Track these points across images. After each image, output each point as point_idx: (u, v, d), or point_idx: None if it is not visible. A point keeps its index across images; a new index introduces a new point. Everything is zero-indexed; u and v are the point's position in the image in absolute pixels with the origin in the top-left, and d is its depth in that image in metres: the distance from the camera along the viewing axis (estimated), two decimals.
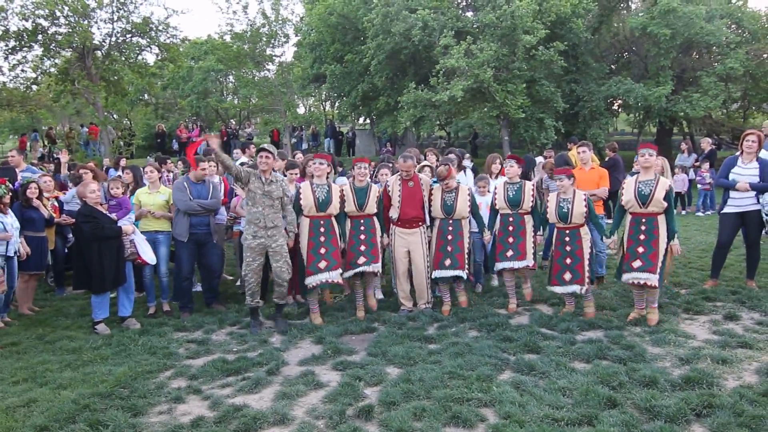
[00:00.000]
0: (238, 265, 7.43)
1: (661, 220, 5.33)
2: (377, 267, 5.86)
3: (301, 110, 27.89)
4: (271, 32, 20.75)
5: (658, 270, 5.26)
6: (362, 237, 5.86)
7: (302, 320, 5.98)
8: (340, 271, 5.72)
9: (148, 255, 6.03)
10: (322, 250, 5.66)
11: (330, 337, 5.31)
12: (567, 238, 5.62)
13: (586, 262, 5.54)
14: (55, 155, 19.82)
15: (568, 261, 5.60)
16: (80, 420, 3.77)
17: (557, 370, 4.31)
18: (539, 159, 10.72)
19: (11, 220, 6.06)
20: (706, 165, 13.27)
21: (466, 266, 5.92)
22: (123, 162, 10.82)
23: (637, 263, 5.34)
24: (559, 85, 17.91)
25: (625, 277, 5.47)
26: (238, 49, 20.54)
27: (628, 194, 5.42)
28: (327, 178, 5.86)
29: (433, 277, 5.96)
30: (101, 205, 5.90)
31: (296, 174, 6.61)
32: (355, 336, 5.43)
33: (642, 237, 5.35)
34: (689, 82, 18.47)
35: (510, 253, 5.90)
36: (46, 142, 23.60)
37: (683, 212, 13.73)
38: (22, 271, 6.49)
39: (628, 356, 4.50)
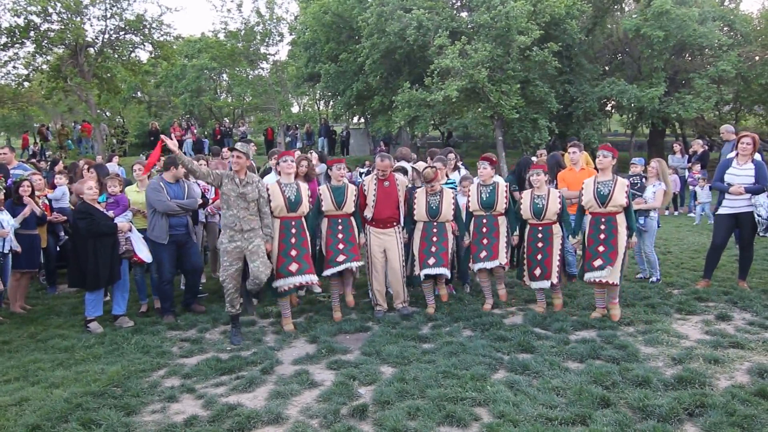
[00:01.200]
0: (213, 268, 7.43)
1: (621, 219, 5.45)
2: (358, 264, 5.85)
3: (295, 109, 27.83)
4: (265, 31, 20.70)
5: (618, 267, 5.38)
6: (340, 236, 5.83)
7: (296, 319, 5.97)
8: (313, 275, 5.57)
9: (144, 253, 5.99)
10: (293, 252, 5.50)
11: (324, 336, 5.30)
12: (540, 235, 5.73)
13: (556, 259, 5.67)
14: (47, 153, 19.68)
15: (539, 257, 5.73)
16: (73, 419, 3.75)
17: (551, 370, 4.33)
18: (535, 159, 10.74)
19: (7, 218, 6.03)
20: (698, 166, 13.37)
21: (450, 266, 5.94)
22: (116, 159, 10.76)
23: (597, 262, 5.45)
24: (553, 86, 17.98)
25: (587, 276, 5.56)
26: (232, 47, 20.48)
27: (587, 195, 5.53)
28: (295, 177, 5.76)
29: (421, 275, 5.93)
30: (98, 202, 5.86)
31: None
32: (349, 335, 5.43)
33: (602, 236, 5.46)
34: (682, 83, 18.60)
35: (483, 254, 5.91)
36: (38, 140, 23.44)
37: (675, 213, 13.81)
38: (14, 269, 6.45)
39: (622, 356, 4.52)
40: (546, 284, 5.74)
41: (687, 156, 14.50)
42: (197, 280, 6.57)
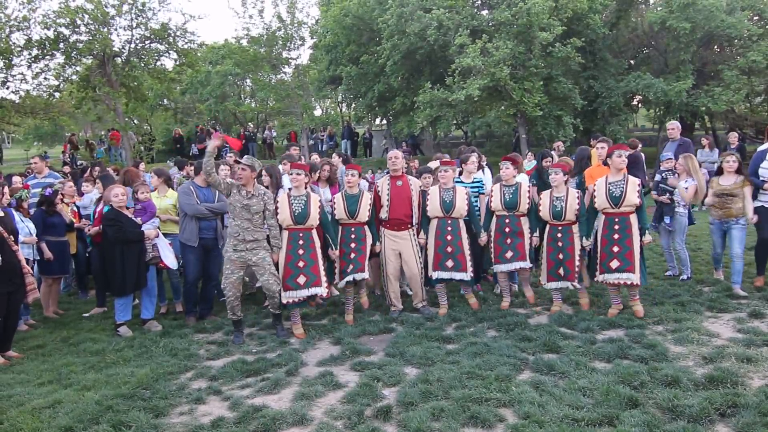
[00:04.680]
0: None
1: (633, 219, 5.42)
2: (363, 275, 5.79)
3: (318, 112, 28.03)
4: (286, 35, 20.88)
5: (638, 268, 5.35)
6: (353, 245, 5.78)
7: (319, 321, 6.00)
8: (322, 287, 5.51)
9: (169, 259, 6.09)
10: (301, 264, 5.44)
11: (348, 337, 5.32)
12: (559, 235, 5.69)
13: (577, 259, 5.64)
14: (78, 161, 20.19)
15: (561, 257, 5.69)
16: (104, 421, 3.84)
17: (577, 370, 4.27)
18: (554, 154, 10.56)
19: (31, 226, 6.21)
20: None
21: (470, 268, 5.88)
22: (142, 166, 10.97)
23: (614, 263, 5.41)
24: (577, 82, 17.72)
25: (604, 277, 5.50)
26: (254, 52, 20.71)
27: (600, 197, 5.50)
28: (306, 187, 5.69)
29: (435, 277, 5.91)
30: (127, 209, 5.99)
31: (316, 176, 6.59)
32: (373, 337, 5.44)
33: (616, 236, 5.43)
34: (711, 75, 18.14)
35: (510, 254, 5.88)
36: (69, 149, 24.06)
37: (704, 208, 13.46)
38: (45, 275, 6.64)
39: (650, 355, 4.44)
40: (567, 284, 5.70)
41: (717, 150, 14.12)
42: (212, 291, 6.47)
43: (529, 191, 5.94)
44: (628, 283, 5.40)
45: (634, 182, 5.43)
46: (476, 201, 6.35)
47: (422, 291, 6.04)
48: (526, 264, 5.90)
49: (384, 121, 25.18)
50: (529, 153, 13.89)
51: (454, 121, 20.75)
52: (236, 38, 22.18)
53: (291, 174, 5.67)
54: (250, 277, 6.52)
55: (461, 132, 26.38)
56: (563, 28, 16.03)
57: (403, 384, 4.24)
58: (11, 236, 5.32)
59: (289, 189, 5.78)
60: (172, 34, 20.08)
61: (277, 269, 5.48)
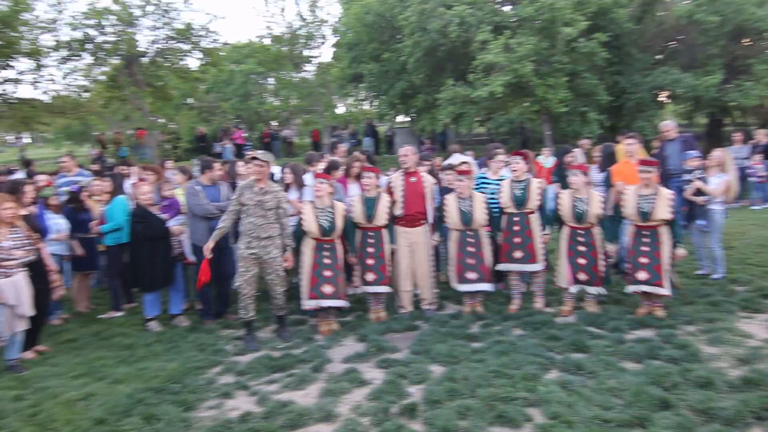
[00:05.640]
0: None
1: (664, 230, 5.31)
2: (385, 289, 5.72)
3: (340, 110, 28.09)
4: (308, 34, 20.97)
5: (666, 281, 5.23)
6: (370, 250, 5.71)
7: (344, 318, 6.02)
8: (344, 301, 5.53)
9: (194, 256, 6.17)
10: (328, 273, 5.41)
11: (373, 335, 5.33)
12: (581, 239, 5.54)
13: (601, 264, 5.51)
14: (106, 159, 20.58)
15: (582, 261, 5.53)
16: (135, 414, 3.92)
17: (606, 370, 4.21)
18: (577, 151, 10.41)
19: (63, 222, 6.35)
20: (758, 157, 12.67)
21: (492, 276, 5.82)
22: (169, 164, 11.13)
23: (642, 275, 5.30)
24: (602, 78, 17.42)
25: (632, 288, 5.42)
26: (277, 51, 20.85)
27: (629, 208, 5.39)
28: (345, 178, 5.66)
29: (459, 290, 5.84)
30: (153, 206, 6.08)
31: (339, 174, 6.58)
32: (398, 334, 5.44)
33: (644, 248, 5.31)
34: (741, 70, 17.68)
35: (519, 254, 5.74)
36: (97, 147, 24.53)
37: (736, 205, 13.15)
38: (76, 271, 6.79)
39: (682, 356, 4.35)
40: (594, 290, 5.57)
41: (748, 146, 13.78)
42: (228, 288, 6.42)
43: (539, 188, 5.79)
44: (659, 294, 5.29)
45: (665, 197, 5.27)
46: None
47: (431, 293, 5.93)
48: (538, 267, 5.75)
49: (406, 119, 25.14)
50: (546, 149, 13.72)
51: (477, 118, 20.58)
52: (259, 37, 22.37)
53: (316, 184, 5.57)
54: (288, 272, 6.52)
55: (484, 129, 26.17)
56: (588, 22, 15.77)
57: (428, 382, 4.24)
58: (38, 234, 5.44)
59: (313, 200, 5.67)
60: (196, 34, 20.32)
61: (287, 272, 5.48)
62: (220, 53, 21.97)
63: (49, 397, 4.31)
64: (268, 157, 5.42)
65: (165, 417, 3.86)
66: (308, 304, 5.46)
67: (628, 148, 6.68)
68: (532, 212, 5.77)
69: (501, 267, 5.90)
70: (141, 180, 6.86)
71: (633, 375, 4.09)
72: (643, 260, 5.30)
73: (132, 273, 6.04)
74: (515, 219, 5.78)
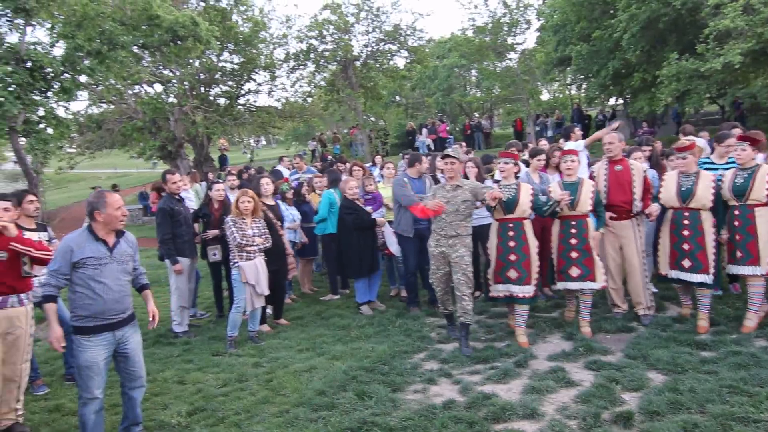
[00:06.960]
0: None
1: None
2: (595, 287, 5.14)
3: (545, 96, 27.01)
4: (512, 20, 20.52)
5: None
6: (573, 241, 5.17)
7: (549, 314, 5.78)
8: (531, 285, 5.03)
9: (393, 247, 6.50)
10: (513, 257, 5.03)
11: (582, 333, 5.02)
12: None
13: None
14: (326, 157, 22.92)
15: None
16: (350, 389, 4.28)
17: None
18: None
19: (296, 213, 7.23)
20: None
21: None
22: (378, 159, 11.91)
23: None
24: None
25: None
26: (480, 42, 20.83)
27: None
28: (516, 176, 5.29)
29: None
30: (358, 199, 6.59)
31: (542, 162, 6.38)
32: (609, 335, 5.05)
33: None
34: None
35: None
36: (318, 146, 27.46)
37: None
38: (301, 256, 7.69)
39: None
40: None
41: None
42: (415, 280, 6.47)
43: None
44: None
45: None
46: None
47: (646, 296, 5.30)
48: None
49: (619, 101, 23.11)
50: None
51: (708, 95, 17.96)
52: (462, 30, 22.61)
53: (499, 163, 5.41)
54: None
55: (716, 107, 22.75)
56: None
57: (646, 390, 3.85)
58: (278, 222, 6.28)
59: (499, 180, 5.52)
60: (403, 34, 21.36)
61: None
62: (425, 50, 22.76)
63: (280, 366, 4.95)
64: (458, 153, 5.31)
65: (375, 395, 4.14)
66: (493, 290, 5.18)
67: None
68: (759, 204, 4.78)
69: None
70: (351, 175, 7.49)
71: None
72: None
73: (342, 261, 6.64)
74: (735, 213, 4.93)
